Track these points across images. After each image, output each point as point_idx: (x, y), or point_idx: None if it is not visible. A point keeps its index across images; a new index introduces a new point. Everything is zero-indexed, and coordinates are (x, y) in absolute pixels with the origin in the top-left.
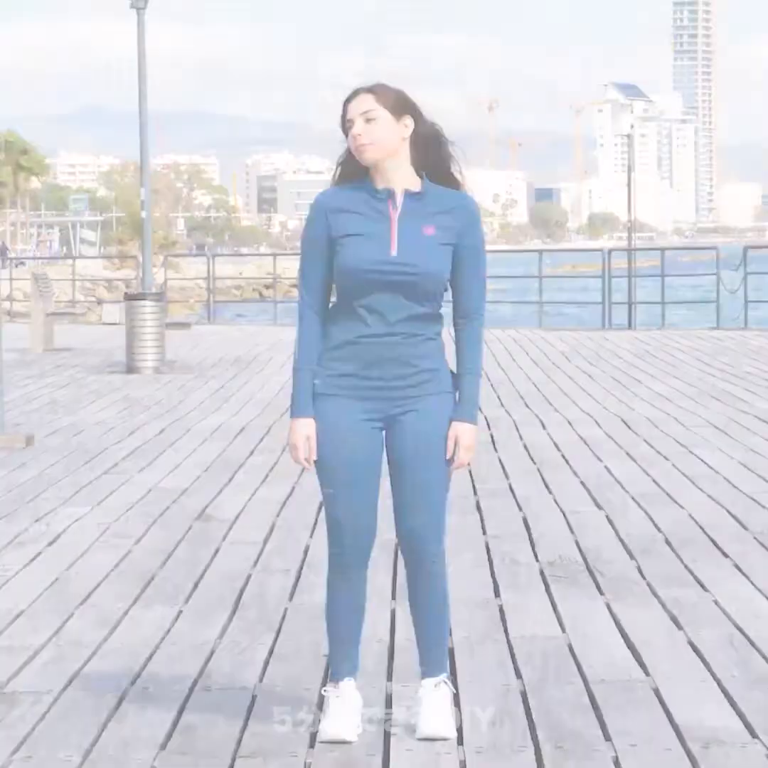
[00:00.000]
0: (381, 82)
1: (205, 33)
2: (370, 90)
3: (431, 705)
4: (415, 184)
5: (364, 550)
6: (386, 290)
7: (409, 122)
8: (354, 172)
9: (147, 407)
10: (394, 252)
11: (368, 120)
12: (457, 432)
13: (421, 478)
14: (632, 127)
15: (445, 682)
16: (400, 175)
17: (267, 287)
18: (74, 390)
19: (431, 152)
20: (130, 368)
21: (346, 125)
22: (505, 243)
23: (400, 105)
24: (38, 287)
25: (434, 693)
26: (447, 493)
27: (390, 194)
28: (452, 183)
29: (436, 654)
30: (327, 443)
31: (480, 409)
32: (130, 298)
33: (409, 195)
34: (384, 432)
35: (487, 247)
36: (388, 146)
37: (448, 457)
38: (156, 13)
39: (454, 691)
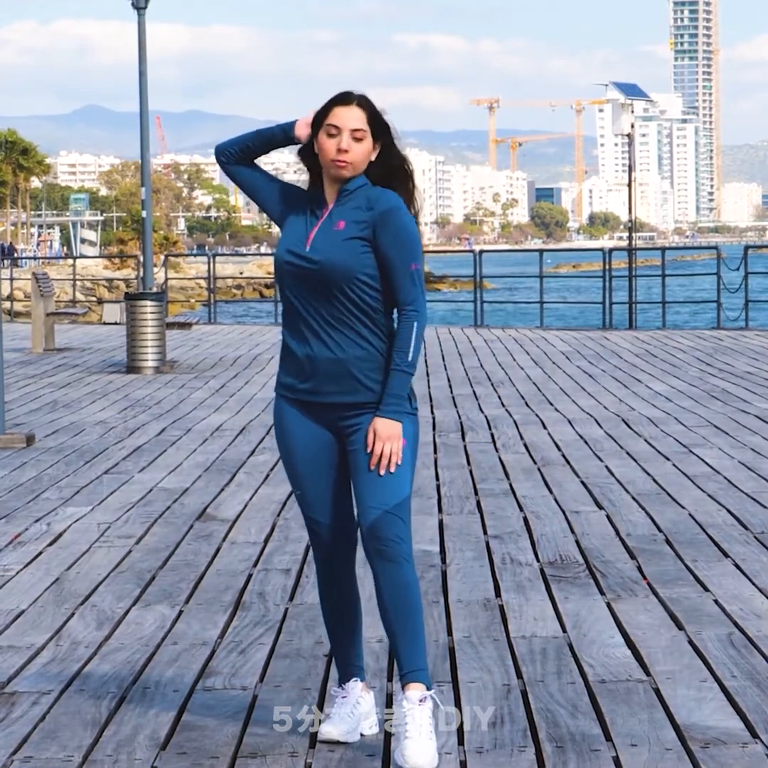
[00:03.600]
0: (367, 95)
1: (206, 33)
2: (362, 105)
3: (415, 729)
4: None
5: (345, 550)
6: (305, 286)
7: (378, 146)
8: (311, 166)
9: (147, 407)
10: (307, 246)
11: (356, 139)
12: (375, 425)
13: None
14: (633, 126)
15: (432, 698)
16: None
17: (267, 287)
18: (75, 390)
19: (394, 180)
20: (131, 368)
21: (327, 127)
22: (505, 243)
23: (380, 130)
24: (39, 287)
25: (418, 712)
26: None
27: (324, 199)
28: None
29: (414, 661)
30: (287, 446)
31: (481, 408)
32: (130, 297)
33: (341, 193)
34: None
35: (488, 247)
36: (361, 168)
37: (367, 450)
38: (157, 13)
39: (439, 705)
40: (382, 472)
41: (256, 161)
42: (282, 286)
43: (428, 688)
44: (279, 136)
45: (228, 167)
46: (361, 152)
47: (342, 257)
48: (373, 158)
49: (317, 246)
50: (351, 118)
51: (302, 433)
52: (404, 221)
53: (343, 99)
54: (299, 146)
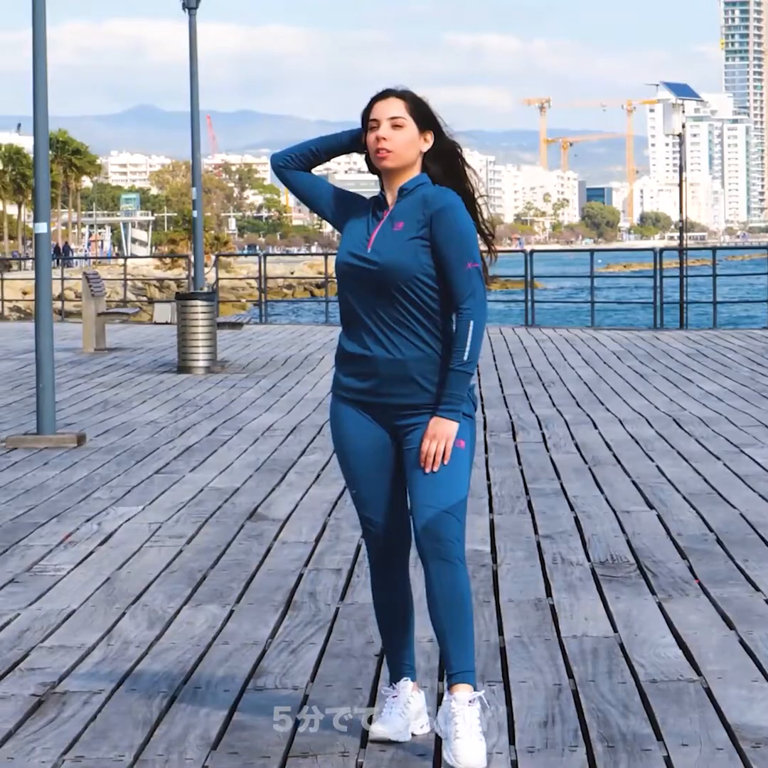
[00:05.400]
0: (410, 89)
1: (258, 33)
2: (402, 96)
3: (466, 730)
4: None
5: (399, 550)
6: (365, 287)
7: (429, 137)
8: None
9: (198, 407)
10: (369, 248)
11: (395, 126)
12: (430, 424)
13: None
14: (683, 126)
15: (481, 699)
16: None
17: (318, 287)
18: (125, 390)
19: (448, 169)
20: (182, 368)
21: (369, 124)
22: (556, 243)
23: (426, 118)
24: (90, 287)
25: (468, 712)
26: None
27: (386, 201)
28: (469, 201)
29: (464, 662)
30: (343, 446)
31: (532, 408)
32: (181, 297)
33: (400, 193)
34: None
35: (538, 247)
36: (407, 158)
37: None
38: (209, 14)
39: (487, 706)
40: (427, 469)
41: (301, 165)
42: (342, 288)
43: (475, 690)
44: (346, 143)
45: (286, 173)
46: (403, 140)
47: (401, 258)
48: (424, 149)
49: (378, 247)
50: (388, 108)
51: (359, 432)
52: (459, 219)
53: (382, 94)
54: (366, 153)
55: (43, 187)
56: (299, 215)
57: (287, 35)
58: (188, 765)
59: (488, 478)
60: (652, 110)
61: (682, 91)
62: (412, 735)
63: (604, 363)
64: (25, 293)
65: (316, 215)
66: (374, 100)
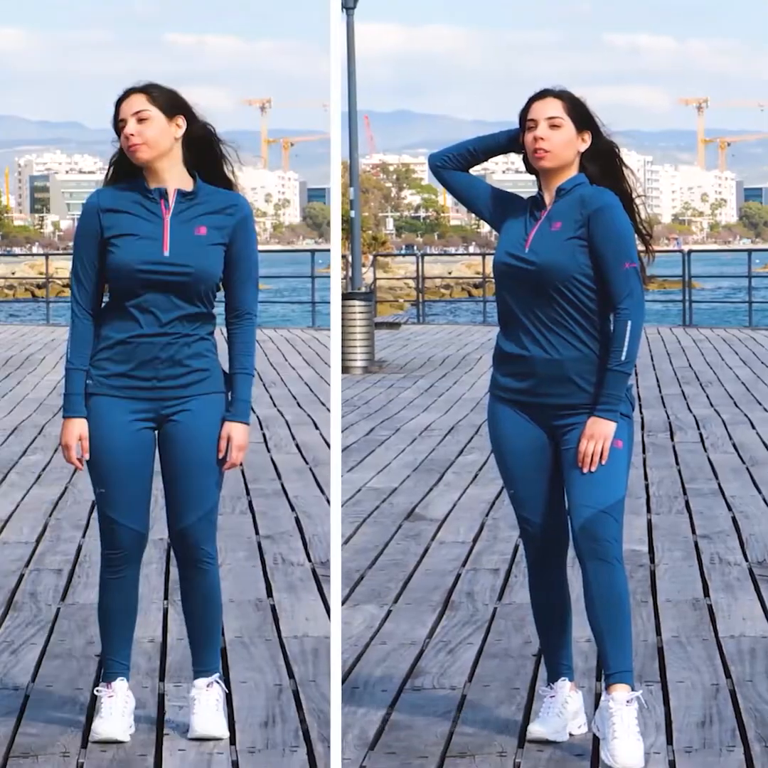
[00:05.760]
0: (567, 89)
1: (418, 33)
2: (143, 90)
3: (623, 730)
4: (187, 183)
5: (556, 550)
6: (158, 290)
7: (587, 137)
8: (128, 171)
9: (356, 407)
10: (166, 252)
11: (140, 120)
12: (587, 424)
13: (191, 478)
14: None
15: (638, 699)
16: (173, 175)
17: (476, 287)
18: None
19: (203, 153)
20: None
21: (118, 125)
22: (713, 243)
23: (584, 118)
24: None
25: (626, 712)
26: (218, 493)
27: (162, 194)
28: (223, 183)
29: (621, 662)
30: (98, 443)
31: (689, 408)
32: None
33: (181, 194)
34: (156, 432)
35: (696, 247)
36: (160, 147)
37: (219, 456)
38: (369, 14)
39: (645, 706)
40: (585, 469)
41: (93, 305)
42: (499, 288)
43: (633, 690)
44: (503, 143)
45: (443, 173)
46: (560, 141)
47: (559, 258)
48: (581, 149)
49: (535, 247)
50: (546, 108)
51: (517, 433)
52: (617, 219)
53: (539, 94)
54: (524, 153)
55: None
56: (457, 215)
57: (447, 35)
58: (346, 765)
59: (646, 478)
60: None
61: None
62: (570, 735)
63: (762, 363)
64: None
65: (473, 215)
66: (532, 100)
